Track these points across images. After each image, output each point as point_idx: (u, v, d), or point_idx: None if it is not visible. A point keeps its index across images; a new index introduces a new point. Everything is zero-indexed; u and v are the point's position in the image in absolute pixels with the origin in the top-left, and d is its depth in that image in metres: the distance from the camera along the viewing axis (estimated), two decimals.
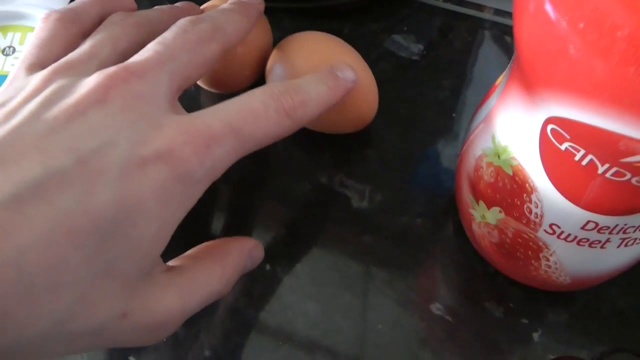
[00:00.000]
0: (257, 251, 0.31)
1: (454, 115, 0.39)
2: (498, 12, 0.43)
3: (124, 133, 0.24)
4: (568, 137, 0.22)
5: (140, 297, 0.25)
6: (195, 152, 0.25)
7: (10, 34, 0.40)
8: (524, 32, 0.22)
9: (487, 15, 0.43)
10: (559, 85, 0.21)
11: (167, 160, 0.25)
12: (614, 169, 0.22)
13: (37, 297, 0.22)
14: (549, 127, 0.22)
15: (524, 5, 0.22)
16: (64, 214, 0.22)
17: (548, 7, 0.20)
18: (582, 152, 0.22)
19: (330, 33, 0.36)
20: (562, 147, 0.22)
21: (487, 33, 0.43)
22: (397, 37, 0.42)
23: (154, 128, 0.25)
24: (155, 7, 0.34)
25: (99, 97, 0.25)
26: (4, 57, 0.39)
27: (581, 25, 0.19)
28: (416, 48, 0.42)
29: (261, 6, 0.34)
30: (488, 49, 0.42)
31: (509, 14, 0.43)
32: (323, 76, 0.31)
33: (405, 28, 0.42)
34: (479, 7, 0.43)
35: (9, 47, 0.40)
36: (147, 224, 0.24)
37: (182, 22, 0.29)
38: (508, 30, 0.42)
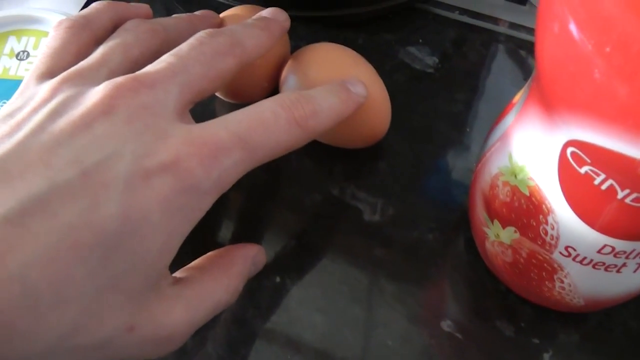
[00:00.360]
0: (259, 256, 0.31)
1: (467, 129, 0.38)
2: (513, 25, 0.43)
3: (129, 145, 0.24)
4: (588, 160, 0.21)
5: (147, 310, 0.25)
6: (202, 163, 0.25)
7: (24, 39, 0.40)
8: (546, 52, 0.22)
9: (501, 29, 0.43)
10: (581, 108, 0.20)
11: (173, 171, 0.24)
12: (634, 195, 0.21)
13: (42, 311, 0.22)
14: (569, 149, 0.22)
15: (547, 25, 0.21)
16: (68, 228, 0.22)
17: (573, 29, 0.19)
18: (602, 176, 0.22)
19: (344, 43, 0.36)
20: (582, 171, 0.22)
21: (501, 46, 0.42)
22: (411, 49, 0.42)
23: (159, 139, 0.25)
24: (174, 15, 0.33)
25: (105, 108, 0.25)
26: (18, 61, 0.39)
27: (607, 49, 0.18)
28: (430, 60, 0.41)
29: (286, 24, 0.34)
30: (503, 63, 0.42)
31: (524, 28, 0.43)
32: (335, 88, 0.31)
33: (420, 40, 0.42)
34: (494, 20, 0.43)
35: (23, 51, 0.40)
36: (152, 237, 0.24)
37: (200, 34, 0.29)
38: (523, 44, 0.42)
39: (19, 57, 0.40)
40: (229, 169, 0.26)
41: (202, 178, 0.25)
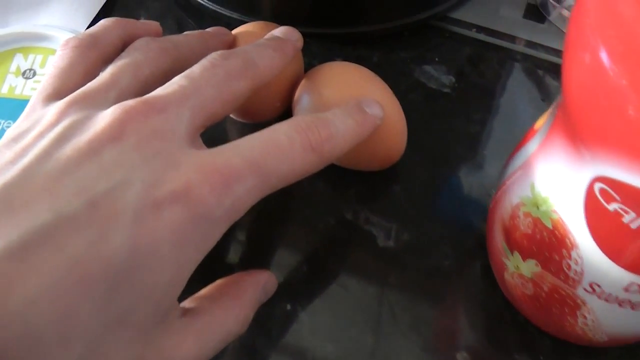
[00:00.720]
0: (270, 283, 0.30)
1: (485, 151, 0.37)
2: (531, 44, 0.42)
3: (139, 173, 0.23)
4: (618, 198, 0.20)
5: (156, 344, 0.24)
6: (214, 191, 0.24)
7: (31, 56, 0.39)
8: (575, 82, 0.21)
9: (519, 47, 0.42)
10: (611, 144, 0.19)
11: (183, 201, 0.23)
12: None
13: (45, 350, 0.21)
14: (597, 185, 0.21)
15: (577, 53, 0.20)
16: (74, 261, 0.21)
17: (606, 61, 0.18)
18: (632, 215, 0.20)
19: (359, 60, 0.35)
20: (610, 208, 0.21)
21: (519, 65, 0.41)
22: (427, 68, 0.41)
23: (170, 167, 0.24)
24: (185, 32, 0.33)
25: (114, 133, 0.24)
26: (24, 80, 0.38)
27: None
28: (447, 79, 0.40)
29: (299, 43, 0.33)
30: (520, 82, 0.41)
31: (542, 47, 0.42)
32: (351, 110, 0.30)
33: (436, 58, 0.41)
34: (512, 38, 0.42)
35: (30, 69, 0.39)
36: (162, 270, 0.23)
37: (212, 55, 0.28)
38: (541, 63, 0.41)
39: (25, 76, 0.39)
40: (242, 196, 0.25)
41: (214, 207, 0.24)
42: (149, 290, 0.23)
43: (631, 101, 0.18)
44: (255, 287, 0.29)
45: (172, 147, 0.25)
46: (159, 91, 0.26)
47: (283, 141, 0.26)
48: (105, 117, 0.24)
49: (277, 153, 0.26)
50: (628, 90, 0.18)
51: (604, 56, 0.18)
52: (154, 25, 0.32)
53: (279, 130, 0.27)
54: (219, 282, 0.29)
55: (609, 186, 0.20)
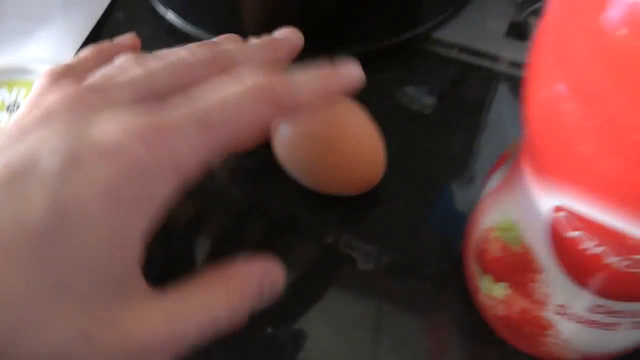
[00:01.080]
0: (273, 273, 0.27)
1: (467, 173, 0.38)
2: (513, 64, 0.42)
3: (61, 133, 0.23)
4: (580, 226, 0.21)
5: (107, 316, 0.22)
6: (142, 140, 0.23)
7: (15, 90, 0.39)
8: (534, 116, 0.21)
9: (502, 67, 0.42)
10: (568, 178, 0.20)
11: (110, 155, 0.22)
12: (627, 262, 0.21)
13: None
14: (560, 213, 0.22)
15: (536, 88, 0.21)
16: None
17: (562, 98, 0.19)
18: (594, 242, 0.21)
19: None
20: (572, 235, 0.22)
21: (502, 86, 0.42)
22: (409, 89, 0.41)
23: (95, 124, 0.23)
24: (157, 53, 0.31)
25: (45, 117, 0.24)
26: (8, 114, 0.38)
27: (597, 122, 0.18)
28: (429, 100, 0.41)
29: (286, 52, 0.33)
30: (504, 104, 0.41)
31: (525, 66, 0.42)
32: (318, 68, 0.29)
33: (417, 79, 0.42)
34: (495, 58, 0.43)
35: (14, 104, 0.39)
36: (92, 230, 0.22)
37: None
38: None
39: (9, 110, 0.39)
40: (183, 150, 0.24)
41: (143, 156, 0.23)
42: (82, 252, 0.22)
43: (585, 137, 0.18)
44: (250, 273, 0.27)
45: (101, 108, 0.24)
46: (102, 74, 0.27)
47: (231, 99, 0.25)
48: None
49: (224, 107, 0.25)
50: (582, 127, 0.18)
51: (560, 92, 0.19)
52: (130, 39, 0.32)
53: (228, 93, 0.25)
54: (208, 268, 0.27)
55: (568, 215, 0.21)
